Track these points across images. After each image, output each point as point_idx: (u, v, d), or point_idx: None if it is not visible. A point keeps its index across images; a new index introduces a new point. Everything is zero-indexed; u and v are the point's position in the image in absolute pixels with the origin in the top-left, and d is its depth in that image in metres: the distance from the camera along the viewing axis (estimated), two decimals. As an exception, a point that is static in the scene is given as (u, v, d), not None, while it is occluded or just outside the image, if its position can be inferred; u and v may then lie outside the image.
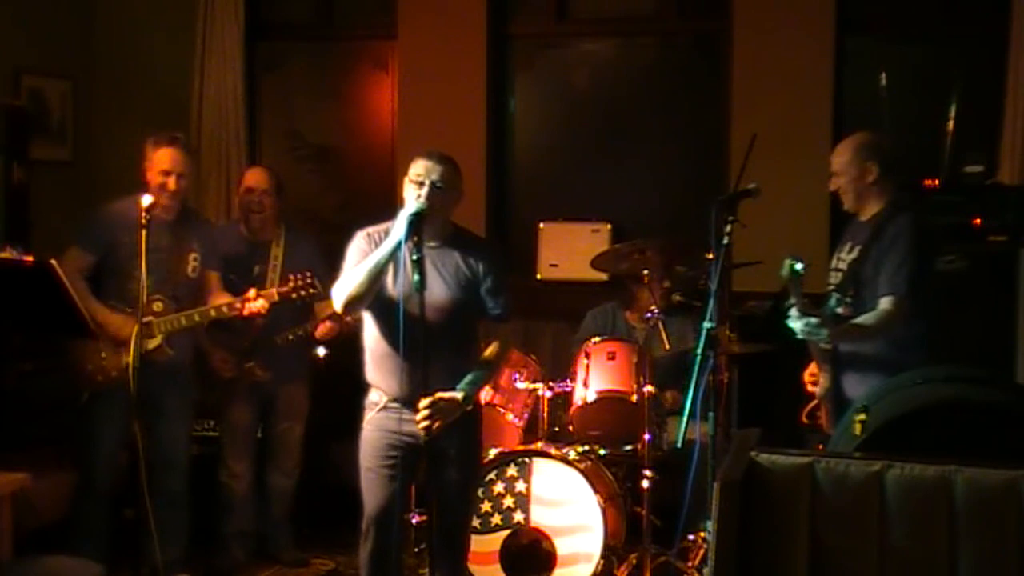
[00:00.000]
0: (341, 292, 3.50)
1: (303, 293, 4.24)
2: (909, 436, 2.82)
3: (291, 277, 4.27)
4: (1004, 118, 4.99)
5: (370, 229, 3.61)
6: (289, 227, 4.79)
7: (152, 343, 4.17)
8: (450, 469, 3.61)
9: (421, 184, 3.47)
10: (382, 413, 3.61)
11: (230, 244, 4.62)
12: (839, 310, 3.68)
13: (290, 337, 4.59)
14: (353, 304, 3.50)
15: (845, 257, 3.78)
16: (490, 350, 3.66)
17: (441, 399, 3.43)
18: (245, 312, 4.22)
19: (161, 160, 4.25)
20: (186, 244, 4.32)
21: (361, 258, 3.53)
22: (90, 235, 4.29)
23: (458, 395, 3.48)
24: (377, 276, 3.45)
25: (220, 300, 4.28)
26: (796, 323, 3.54)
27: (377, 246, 3.52)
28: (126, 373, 4.14)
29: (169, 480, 4.29)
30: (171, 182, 4.24)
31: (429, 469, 3.64)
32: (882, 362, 3.55)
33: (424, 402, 3.40)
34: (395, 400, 3.57)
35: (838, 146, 3.87)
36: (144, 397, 4.05)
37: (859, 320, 3.62)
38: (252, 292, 4.24)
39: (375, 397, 3.65)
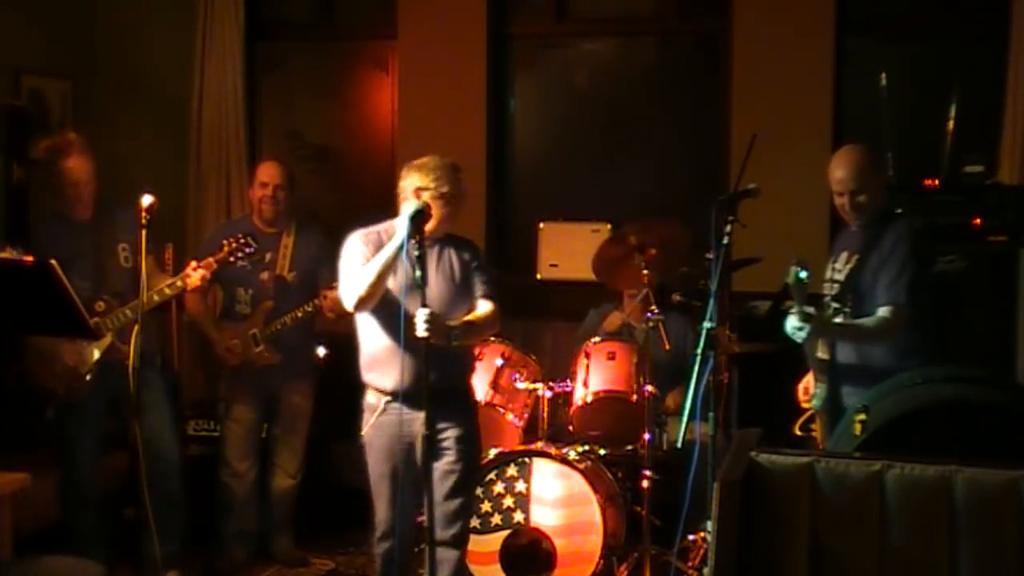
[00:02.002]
0: (352, 292, 3.62)
1: (240, 255, 4.31)
2: (909, 436, 2.82)
3: (224, 242, 4.31)
4: (1004, 118, 4.98)
5: (363, 232, 3.73)
6: (299, 218, 4.85)
7: (104, 343, 4.20)
8: (450, 457, 3.69)
9: (460, 197, 3.69)
10: (383, 417, 3.68)
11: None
12: (837, 320, 3.67)
13: (299, 315, 4.60)
14: (365, 302, 3.62)
15: (841, 268, 3.75)
16: (480, 312, 3.77)
17: (437, 316, 3.51)
18: (189, 287, 4.25)
19: (72, 171, 4.24)
20: (111, 238, 4.31)
21: (362, 259, 3.64)
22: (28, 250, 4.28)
23: (451, 322, 3.62)
24: (386, 274, 3.57)
25: (160, 283, 4.27)
26: (793, 326, 3.54)
27: (374, 246, 3.64)
28: (84, 382, 4.22)
29: (159, 478, 4.27)
30: (83, 191, 4.27)
31: (429, 460, 3.65)
32: (879, 372, 3.52)
33: (423, 312, 3.44)
34: (394, 398, 3.64)
35: (849, 160, 3.71)
36: (116, 399, 4.17)
37: (857, 321, 3.62)
38: (192, 264, 4.25)
39: (372, 399, 3.73)
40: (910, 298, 3.56)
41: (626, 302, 4.94)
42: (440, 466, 3.69)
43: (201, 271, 4.23)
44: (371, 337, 3.70)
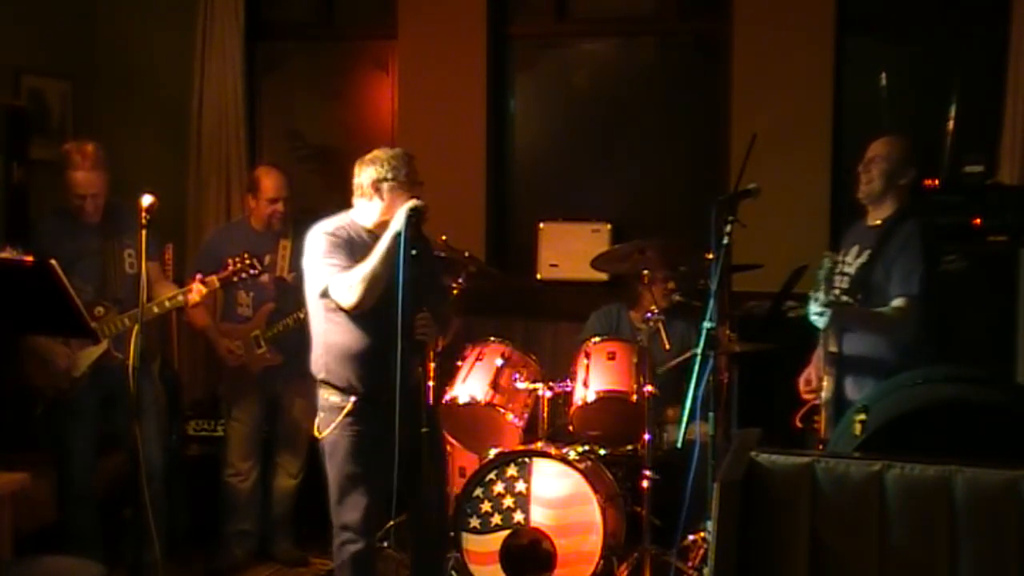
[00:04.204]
0: (356, 289, 3.55)
1: (244, 275, 4.34)
2: (909, 436, 2.82)
3: (229, 261, 4.33)
4: (1004, 118, 4.98)
5: (329, 228, 3.69)
6: (297, 218, 4.84)
7: (99, 349, 4.21)
8: (423, 458, 3.64)
9: (420, 184, 3.63)
10: (352, 418, 3.64)
11: (242, 240, 4.66)
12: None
13: (301, 316, 4.61)
14: (368, 300, 3.55)
15: (852, 261, 3.79)
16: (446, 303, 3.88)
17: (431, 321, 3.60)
18: (190, 303, 4.28)
19: (80, 184, 4.24)
20: (118, 242, 4.32)
21: (344, 255, 3.60)
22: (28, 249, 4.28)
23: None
24: (388, 267, 3.51)
25: (162, 294, 4.28)
26: (815, 312, 3.59)
27: (348, 242, 3.62)
28: (77, 383, 4.24)
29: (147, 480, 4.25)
30: (89, 203, 4.27)
31: (426, 457, 3.64)
32: (883, 366, 3.57)
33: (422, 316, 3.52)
34: (364, 399, 3.61)
35: (888, 138, 3.89)
36: (110, 398, 4.21)
37: (876, 309, 3.67)
38: (196, 280, 4.28)
39: (336, 399, 3.67)
40: (922, 292, 3.63)
41: (643, 292, 4.86)
42: (415, 467, 3.64)
43: (203, 288, 4.26)
44: (346, 334, 3.65)
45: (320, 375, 3.71)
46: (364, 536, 3.68)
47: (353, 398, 3.64)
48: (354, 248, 3.63)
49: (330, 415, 3.68)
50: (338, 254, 3.62)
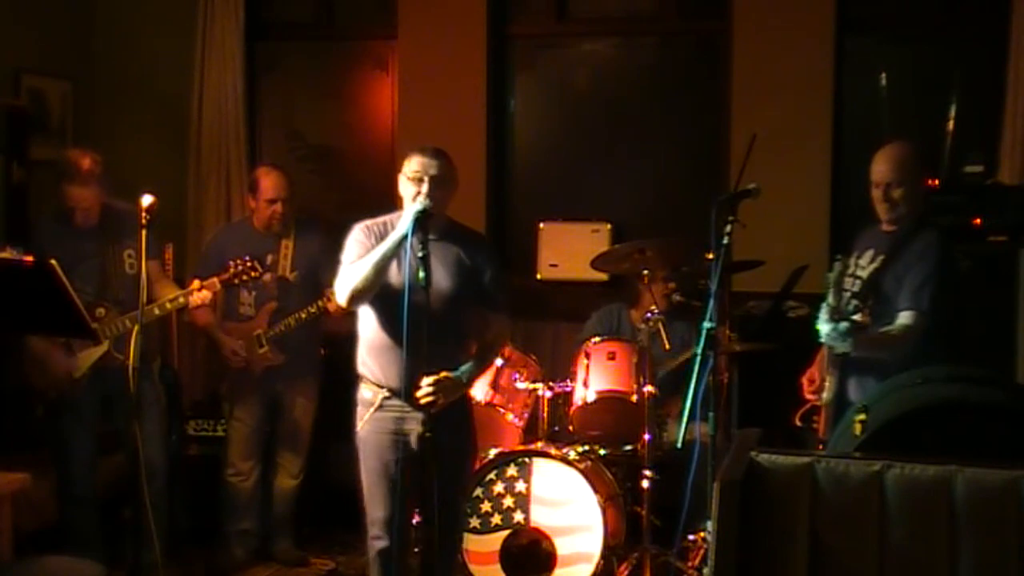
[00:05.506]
0: (345, 286, 3.55)
1: (244, 277, 4.33)
2: (909, 436, 2.82)
3: (230, 263, 4.33)
4: (1004, 118, 4.98)
5: (368, 222, 3.67)
6: (298, 218, 4.85)
7: (100, 350, 4.20)
8: (444, 464, 3.59)
9: (420, 180, 3.53)
10: (380, 413, 3.63)
11: (243, 240, 4.66)
12: (856, 317, 3.67)
13: (303, 316, 4.61)
14: (357, 298, 3.55)
15: (865, 265, 3.74)
16: (486, 338, 3.72)
17: (446, 378, 3.49)
18: (191, 305, 4.28)
19: (74, 198, 4.25)
20: (117, 243, 4.32)
21: (361, 251, 3.58)
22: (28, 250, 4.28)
23: (460, 376, 3.57)
24: (381, 271, 3.51)
25: (164, 295, 4.28)
26: (825, 327, 3.54)
27: (377, 239, 3.59)
28: (77, 384, 4.23)
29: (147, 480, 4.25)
30: (80, 214, 4.28)
31: (424, 465, 3.63)
32: (889, 370, 3.53)
33: (427, 380, 3.45)
34: (392, 395, 3.59)
35: (892, 154, 3.74)
36: (110, 399, 4.21)
37: (884, 329, 3.62)
38: (195, 283, 4.27)
39: (368, 394, 3.66)
40: (932, 307, 3.57)
41: (643, 292, 4.85)
42: (436, 470, 3.57)
43: (205, 291, 4.26)
44: (373, 331, 3.64)
45: (358, 369, 3.72)
46: (389, 534, 3.66)
47: (383, 394, 3.63)
48: None
49: (363, 409, 3.68)
50: (353, 250, 3.61)
